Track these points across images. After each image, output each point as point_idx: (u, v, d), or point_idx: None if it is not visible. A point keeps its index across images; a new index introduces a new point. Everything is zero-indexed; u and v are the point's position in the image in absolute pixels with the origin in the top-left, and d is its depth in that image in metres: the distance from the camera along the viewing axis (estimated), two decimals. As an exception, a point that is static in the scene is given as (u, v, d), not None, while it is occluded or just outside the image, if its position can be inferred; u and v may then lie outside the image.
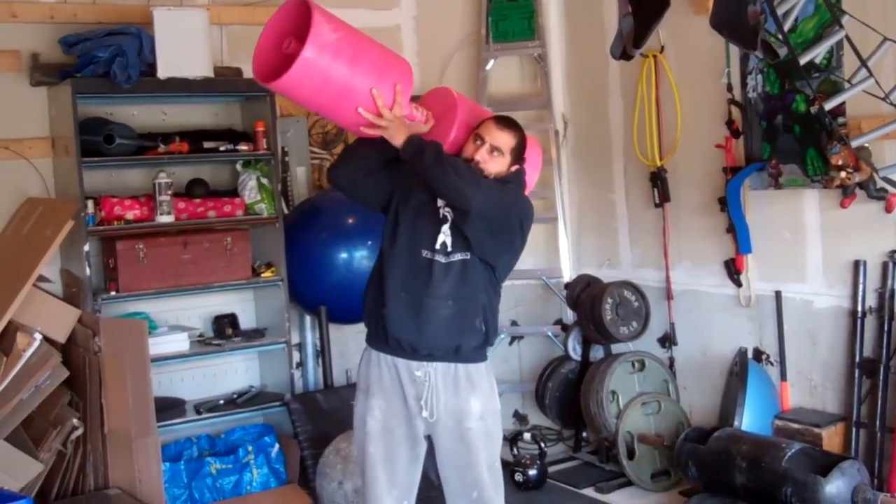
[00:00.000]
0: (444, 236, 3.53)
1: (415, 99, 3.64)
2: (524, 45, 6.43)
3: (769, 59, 3.83)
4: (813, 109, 4.97)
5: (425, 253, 3.53)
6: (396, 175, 3.63)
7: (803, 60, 4.06)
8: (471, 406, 3.59)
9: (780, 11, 3.86)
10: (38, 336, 4.74)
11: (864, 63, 3.92)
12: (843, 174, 4.77)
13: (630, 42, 3.94)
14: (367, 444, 3.63)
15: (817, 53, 4.20)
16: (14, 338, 4.70)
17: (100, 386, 4.83)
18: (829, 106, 4.23)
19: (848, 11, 4.15)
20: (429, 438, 3.69)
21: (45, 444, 4.69)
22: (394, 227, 3.60)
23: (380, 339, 3.62)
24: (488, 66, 6.42)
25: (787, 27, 3.93)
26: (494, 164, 3.57)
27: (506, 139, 3.59)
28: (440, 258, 3.52)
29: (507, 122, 3.64)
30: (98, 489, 4.83)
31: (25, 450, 4.64)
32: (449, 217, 3.54)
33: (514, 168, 3.65)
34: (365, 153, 3.62)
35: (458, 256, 3.52)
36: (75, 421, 4.77)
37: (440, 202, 3.56)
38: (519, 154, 3.65)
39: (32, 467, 4.63)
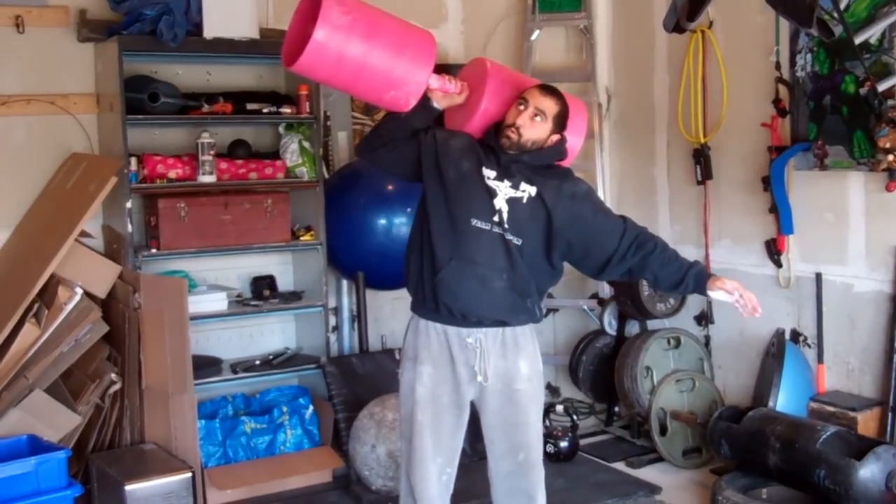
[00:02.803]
0: (501, 211, 3.51)
1: (447, 70, 3.67)
2: (570, 17, 6.38)
3: (824, 36, 3.79)
4: (863, 90, 4.91)
5: (476, 222, 3.51)
6: (425, 142, 3.63)
7: (858, 40, 4.01)
8: (520, 367, 3.62)
9: (836, -11, 3.82)
10: (79, 290, 4.79)
11: (919, 45, 3.88)
12: (890, 157, 4.74)
13: (684, 15, 3.90)
14: (416, 412, 3.63)
15: (873, 33, 4.15)
16: (56, 291, 4.75)
17: (138, 342, 4.87)
18: (882, 87, 4.18)
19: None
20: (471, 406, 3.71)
21: (83, 397, 4.75)
22: (438, 194, 3.58)
23: (428, 307, 3.61)
24: (533, 37, 6.37)
25: (841, 6, 3.88)
26: (535, 130, 3.57)
27: (549, 104, 3.59)
28: (496, 230, 3.51)
29: (551, 89, 3.66)
30: (134, 443, 4.89)
31: (64, 402, 4.70)
32: (499, 191, 3.53)
33: (554, 138, 3.63)
34: (389, 126, 3.64)
35: (513, 238, 3.52)
36: (113, 376, 4.82)
37: (486, 171, 3.55)
38: (560, 123, 3.64)
39: (71, 419, 4.69)
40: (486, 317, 3.57)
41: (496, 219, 3.52)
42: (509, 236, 3.52)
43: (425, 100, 3.57)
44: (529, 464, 3.70)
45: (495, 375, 3.60)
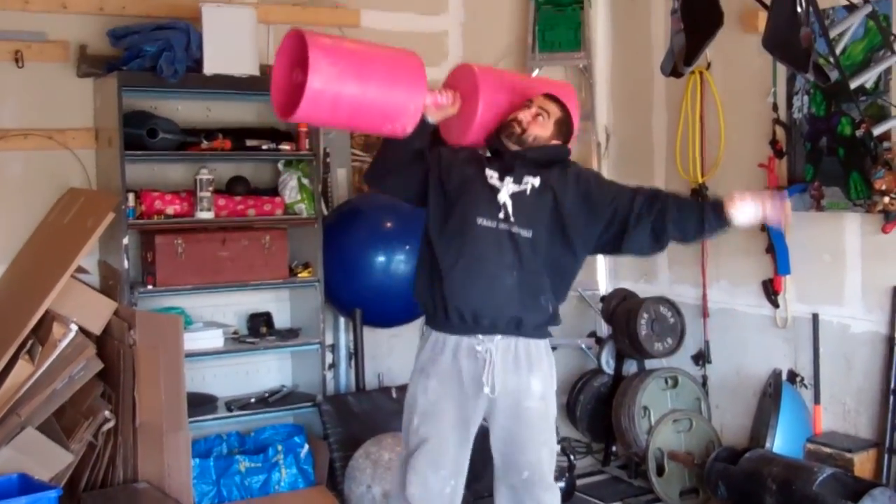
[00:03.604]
0: (506, 205, 3.52)
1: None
2: (570, 56, 6.41)
3: (820, 81, 3.80)
4: (859, 133, 4.93)
5: (482, 221, 3.51)
6: (431, 161, 3.66)
7: (854, 84, 4.02)
8: (531, 386, 3.58)
9: (832, 34, 3.83)
10: (74, 327, 4.76)
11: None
12: (886, 199, 4.73)
13: (681, 59, 3.93)
14: (419, 425, 3.63)
15: (868, 78, 4.17)
16: (50, 327, 4.73)
17: (133, 379, 4.85)
18: (878, 131, 4.19)
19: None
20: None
21: (76, 434, 4.72)
22: (441, 204, 3.61)
23: (440, 318, 3.59)
24: (533, 76, 6.39)
25: (838, 50, 3.89)
26: (537, 127, 3.63)
27: (553, 107, 3.69)
28: (502, 226, 3.51)
29: (555, 97, 3.74)
30: (127, 482, 4.84)
31: (57, 440, 4.66)
32: (501, 187, 3.53)
33: (555, 142, 3.67)
34: (391, 153, 3.66)
35: (521, 231, 3.50)
36: (107, 413, 4.79)
37: (488, 171, 3.57)
38: (562, 129, 3.69)
39: (63, 457, 4.65)
40: (498, 316, 3.52)
41: (501, 215, 3.52)
42: (516, 230, 3.51)
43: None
44: (534, 482, 3.66)
45: (505, 391, 3.55)
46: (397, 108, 3.44)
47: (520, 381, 3.58)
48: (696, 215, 3.57)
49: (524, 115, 3.63)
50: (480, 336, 3.54)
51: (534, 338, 3.61)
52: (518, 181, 3.55)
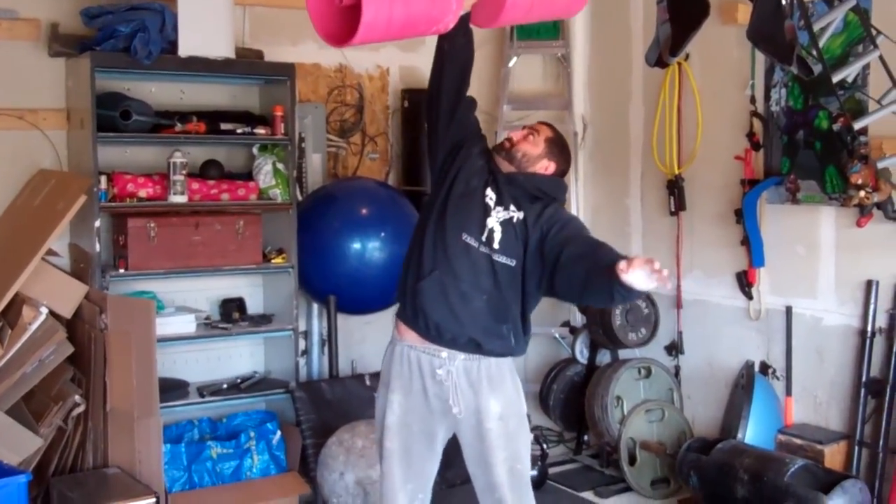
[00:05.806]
0: (493, 231, 3.51)
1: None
2: (548, 45, 6.40)
3: (804, 74, 3.80)
4: (836, 126, 4.95)
5: (466, 238, 3.51)
6: (473, 144, 3.67)
7: (837, 78, 4.03)
8: (490, 406, 3.56)
9: (815, 28, 3.83)
10: (45, 310, 4.72)
11: (896, 84, 3.90)
12: (861, 193, 4.74)
13: (667, 49, 3.92)
14: (385, 439, 3.64)
15: (851, 72, 4.18)
16: (20, 310, 4.69)
17: (104, 363, 4.80)
18: (858, 125, 4.20)
19: (882, 31, 4.11)
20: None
21: (45, 419, 4.67)
22: (441, 204, 3.59)
23: (408, 314, 3.59)
24: (511, 64, 6.38)
25: (820, 44, 3.90)
26: (527, 144, 3.65)
27: (543, 128, 3.72)
28: (483, 249, 3.51)
29: (547, 122, 3.80)
30: (97, 467, 4.81)
31: (26, 424, 4.62)
32: (494, 212, 3.53)
33: (550, 165, 3.66)
34: (443, 60, 3.61)
35: (502, 258, 3.51)
36: (77, 398, 4.74)
37: (488, 192, 3.57)
38: (553, 148, 3.69)
39: (32, 442, 4.61)
40: (459, 334, 3.52)
41: (484, 237, 3.51)
42: (497, 257, 3.51)
43: None
44: (506, 501, 3.62)
45: (468, 411, 3.56)
46: (442, 5, 3.36)
47: (479, 402, 3.57)
48: (605, 290, 3.31)
49: (515, 134, 3.69)
50: (444, 353, 3.54)
51: (494, 356, 3.60)
52: (507, 209, 3.55)
